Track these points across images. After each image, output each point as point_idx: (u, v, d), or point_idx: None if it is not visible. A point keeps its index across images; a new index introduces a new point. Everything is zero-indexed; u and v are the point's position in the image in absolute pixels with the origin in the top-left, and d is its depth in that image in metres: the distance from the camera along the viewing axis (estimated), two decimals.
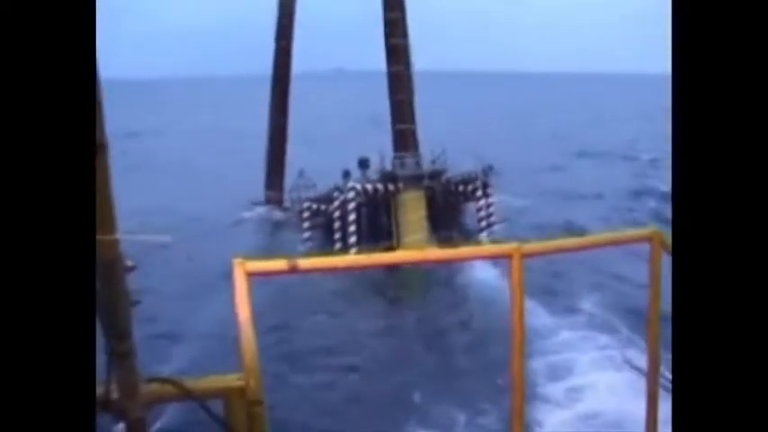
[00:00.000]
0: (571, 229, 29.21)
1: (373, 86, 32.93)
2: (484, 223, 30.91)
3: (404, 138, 31.35)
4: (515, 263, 3.44)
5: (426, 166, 31.49)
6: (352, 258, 3.57)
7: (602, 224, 31.02)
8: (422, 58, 32.97)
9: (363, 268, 4.37)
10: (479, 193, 31.04)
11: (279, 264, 3.16)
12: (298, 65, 39.92)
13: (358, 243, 29.20)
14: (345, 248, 28.87)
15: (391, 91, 32.00)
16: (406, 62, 32.13)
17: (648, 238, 3.65)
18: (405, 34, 32.26)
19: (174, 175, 49.60)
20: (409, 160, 30.97)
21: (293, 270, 3.12)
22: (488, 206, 31.17)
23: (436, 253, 3.87)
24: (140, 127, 79.14)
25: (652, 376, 3.85)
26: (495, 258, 3.66)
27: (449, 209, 31.82)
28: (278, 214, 37.43)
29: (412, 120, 31.69)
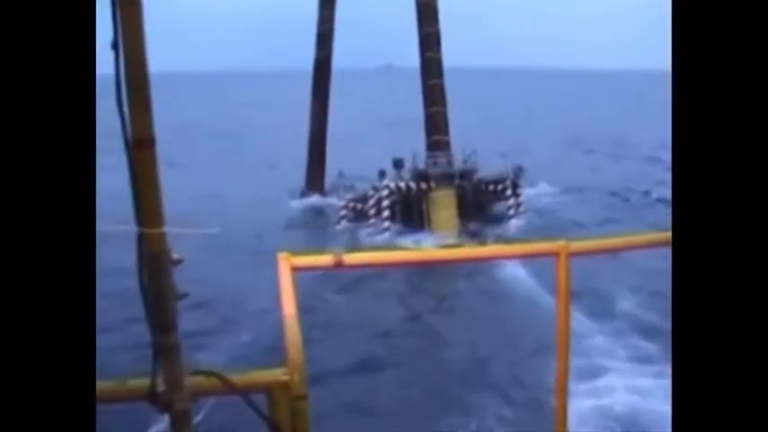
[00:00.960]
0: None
1: (419, 84, 32.88)
2: (514, 221, 30.95)
3: (438, 147, 31.68)
4: (562, 261, 3.28)
5: (458, 165, 31.57)
6: (397, 254, 3.42)
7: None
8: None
9: (408, 264, 4.26)
10: (509, 192, 31.26)
11: (324, 258, 3.04)
12: (346, 61, 39.86)
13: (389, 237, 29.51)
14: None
15: (426, 103, 32.23)
16: (440, 74, 32.15)
17: None
18: (439, 48, 32.29)
19: (209, 171, 49.44)
20: (441, 160, 31.20)
21: (338, 265, 3.00)
22: (518, 206, 31.38)
23: (480, 251, 3.72)
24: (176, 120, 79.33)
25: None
26: (540, 257, 3.50)
27: (479, 207, 31.76)
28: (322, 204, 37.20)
29: (446, 131, 31.94)
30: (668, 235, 3.73)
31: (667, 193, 37.34)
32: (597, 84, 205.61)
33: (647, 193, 40.08)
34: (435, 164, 31.20)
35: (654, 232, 3.75)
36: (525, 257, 3.34)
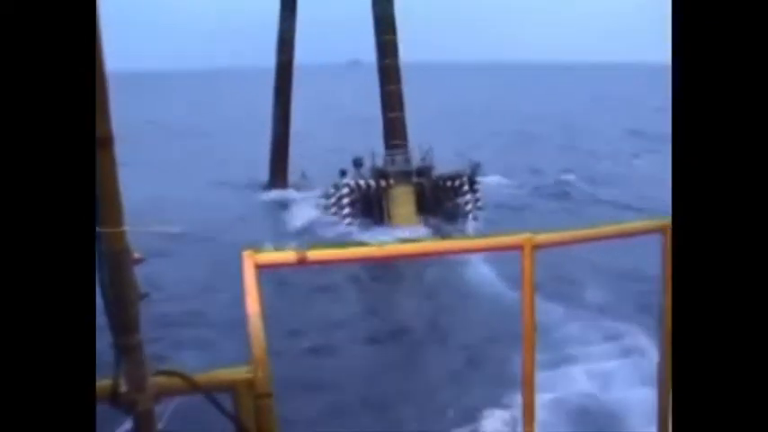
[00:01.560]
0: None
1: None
2: (471, 216, 31.17)
3: (398, 150, 32.13)
4: (526, 254, 3.20)
5: (415, 163, 31.87)
6: (362, 250, 3.33)
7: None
8: (409, 48, 33.20)
9: (371, 260, 4.20)
10: (466, 188, 31.51)
11: (288, 255, 2.94)
12: (313, 57, 40.37)
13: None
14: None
15: (384, 109, 32.48)
16: (398, 80, 32.43)
17: (661, 230, 3.42)
18: (397, 54, 32.51)
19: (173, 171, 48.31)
20: (399, 158, 31.55)
21: (302, 261, 2.90)
22: (476, 201, 31.65)
23: (445, 245, 3.64)
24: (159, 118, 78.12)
25: (667, 374, 3.62)
26: (504, 250, 3.43)
27: (437, 202, 31.97)
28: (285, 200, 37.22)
29: (404, 135, 32.27)
30: (632, 225, 3.74)
31: (606, 192, 37.75)
32: (587, 77, 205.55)
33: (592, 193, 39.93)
34: (393, 162, 31.54)
35: (612, 224, 3.70)
36: (489, 251, 3.31)
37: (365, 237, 28.37)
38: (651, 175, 37.96)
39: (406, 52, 33.64)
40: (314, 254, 2.96)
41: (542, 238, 3.27)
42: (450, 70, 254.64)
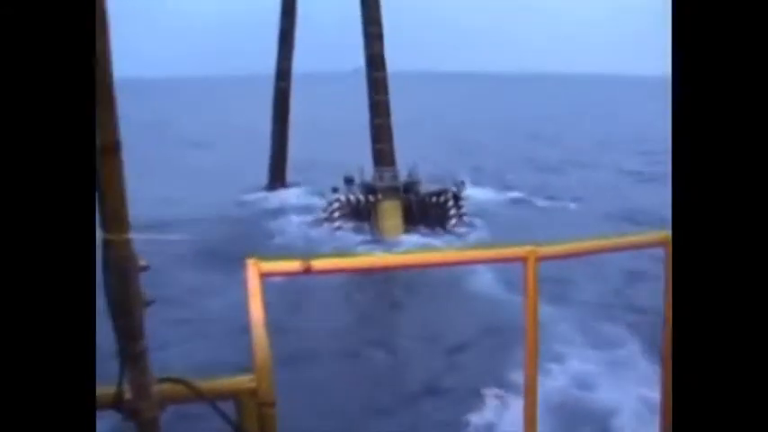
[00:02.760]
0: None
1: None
2: (455, 229, 31.40)
3: (385, 168, 32.42)
4: (530, 266, 3.08)
5: (403, 179, 32.32)
6: (366, 259, 3.21)
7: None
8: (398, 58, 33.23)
9: (378, 270, 4.09)
10: (450, 203, 31.92)
11: (293, 264, 2.82)
12: (316, 65, 40.81)
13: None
14: None
15: (373, 139, 33.04)
16: (387, 114, 32.82)
17: (662, 243, 3.31)
18: (387, 91, 32.83)
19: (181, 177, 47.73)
20: (387, 174, 32.02)
21: (307, 271, 2.78)
22: (460, 216, 31.96)
23: (447, 255, 3.51)
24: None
25: (667, 388, 3.49)
26: (507, 262, 3.31)
27: (423, 216, 32.33)
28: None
29: (392, 162, 32.59)
30: (634, 238, 3.63)
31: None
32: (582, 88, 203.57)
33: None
34: (382, 178, 31.92)
35: (620, 236, 3.59)
36: (492, 262, 3.23)
37: (358, 250, 28.37)
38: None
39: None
40: (318, 263, 2.84)
41: (546, 249, 3.16)
42: (427, 79, 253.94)
